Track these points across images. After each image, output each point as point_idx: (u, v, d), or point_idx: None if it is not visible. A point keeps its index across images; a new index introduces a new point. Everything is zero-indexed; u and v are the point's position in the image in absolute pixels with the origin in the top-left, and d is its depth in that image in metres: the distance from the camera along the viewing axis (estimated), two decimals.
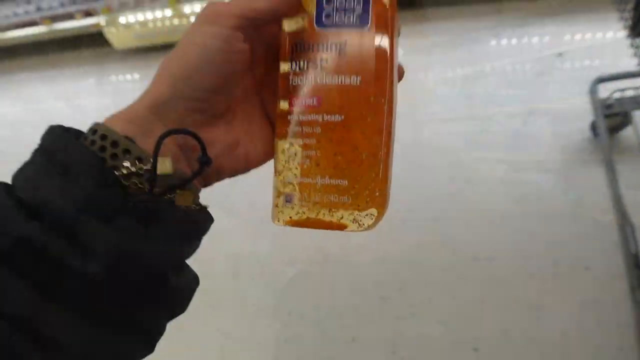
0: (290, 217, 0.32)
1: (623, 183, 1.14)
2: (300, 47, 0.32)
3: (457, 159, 1.41)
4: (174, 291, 0.29)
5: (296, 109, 0.32)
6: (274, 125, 0.34)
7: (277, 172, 0.33)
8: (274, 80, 0.33)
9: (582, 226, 1.18)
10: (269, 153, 0.35)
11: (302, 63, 0.32)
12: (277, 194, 0.33)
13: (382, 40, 0.31)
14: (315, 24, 0.31)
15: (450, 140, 1.48)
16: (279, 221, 0.33)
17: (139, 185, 0.27)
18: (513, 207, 1.26)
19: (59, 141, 0.27)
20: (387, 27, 0.31)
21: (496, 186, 1.32)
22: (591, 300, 1.07)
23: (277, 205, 0.33)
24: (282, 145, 0.33)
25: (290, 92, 0.32)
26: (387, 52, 0.31)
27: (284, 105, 0.32)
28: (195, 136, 0.29)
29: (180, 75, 0.29)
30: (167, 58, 0.30)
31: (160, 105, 0.29)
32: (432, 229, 1.28)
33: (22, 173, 0.27)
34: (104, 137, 0.27)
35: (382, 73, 0.31)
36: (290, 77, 0.32)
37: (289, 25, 0.32)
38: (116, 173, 0.27)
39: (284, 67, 0.32)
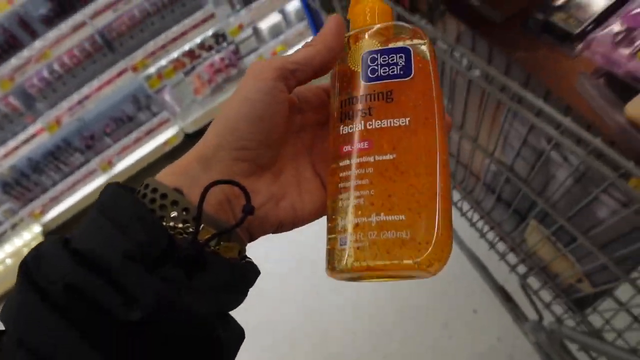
0: (346, 265, 0.30)
1: None
2: (349, 102, 0.33)
3: None
4: (219, 344, 0.28)
5: (348, 155, 0.32)
6: (325, 183, 0.35)
7: (330, 219, 0.33)
8: (325, 142, 0.35)
9: None
10: (319, 211, 0.35)
11: (351, 113, 0.33)
12: (331, 241, 0.32)
13: (426, 85, 0.32)
14: (362, 80, 0.33)
15: None
16: (334, 270, 0.31)
17: (185, 235, 0.28)
18: None
19: (112, 196, 0.28)
20: (429, 75, 0.33)
21: None
22: None
23: (331, 254, 0.32)
24: (335, 193, 0.33)
25: (341, 142, 0.33)
26: (432, 96, 0.32)
27: (336, 155, 0.33)
28: (239, 185, 0.29)
29: (225, 126, 0.31)
30: (217, 116, 0.32)
31: (207, 156, 0.31)
32: None
33: (79, 227, 0.28)
34: (154, 190, 0.29)
35: (430, 113, 0.32)
36: (341, 128, 0.33)
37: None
38: (164, 224, 0.28)
39: (334, 120, 0.34)
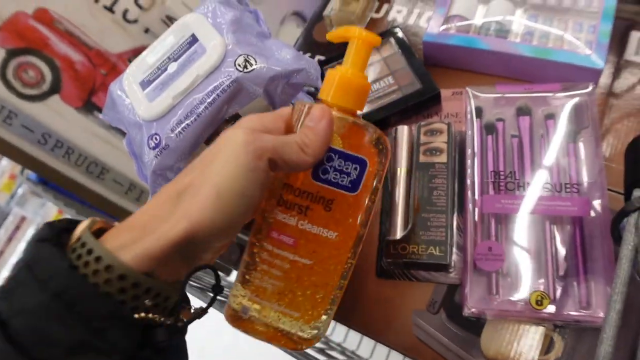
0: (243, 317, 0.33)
1: None
2: (293, 190, 0.33)
3: None
4: None
5: (272, 242, 0.33)
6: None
7: (242, 281, 0.34)
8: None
9: None
10: None
11: (289, 204, 0.33)
12: (235, 301, 0.34)
13: (366, 206, 0.34)
14: (311, 175, 0.32)
15: None
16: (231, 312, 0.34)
17: (158, 319, 0.27)
18: None
19: (64, 279, 0.25)
20: (374, 195, 0.34)
21: None
22: None
23: (232, 310, 0.34)
24: (251, 262, 0.34)
25: (272, 225, 0.33)
26: (367, 217, 0.34)
27: (265, 232, 0.33)
28: (213, 269, 0.31)
29: (213, 218, 0.28)
30: (200, 182, 0.29)
31: (189, 243, 0.28)
32: None
33: (19, 306, 0.25)
34: (122, 277, 0.26)
35: (359, 234, 0.34)
36: (276, 211, 0.33)
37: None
38: (136, 316, 0.26)
39: (271, 201, 0.33)
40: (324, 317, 0.34)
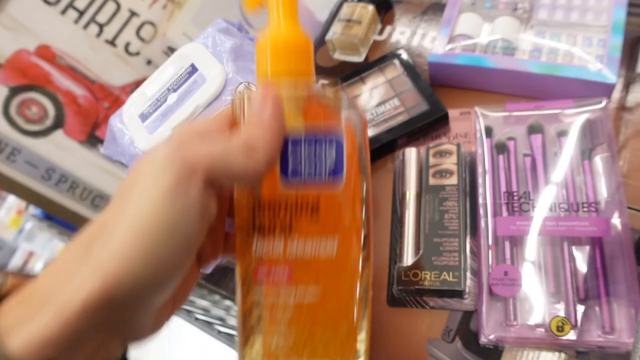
0: None
1: None
2: (263, 208, 0.25)
3: None
4: None
5: (261, 282, 0.26)
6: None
7: (245, 344, 0.26)
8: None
9: None
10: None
11: (266, 228, 0.25)
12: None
13: (361, 191, 0.26)
14: (280, 179, 0.25)
15: None
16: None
17: None
18: None
19: None
20: (364, 175, 0.27)
21: None
22: None
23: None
24: (250, 320, 0.26)
25: (255, 263, 0.26)
26: (368, 207, 0.27)
27: (247, 279, 0.26)
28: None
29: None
30: (114, 222, 0.21)
31: (109, 307, 0.20)
32: None
33: None
34: None
35: (363, 233, 0.27)
36: (253, 243, 0.25)
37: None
38: None
39: (243, 232, 0.26)
40: (360, 347, 0.26)
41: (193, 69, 0.41)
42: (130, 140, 0.41)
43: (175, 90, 0.40)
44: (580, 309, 0.37)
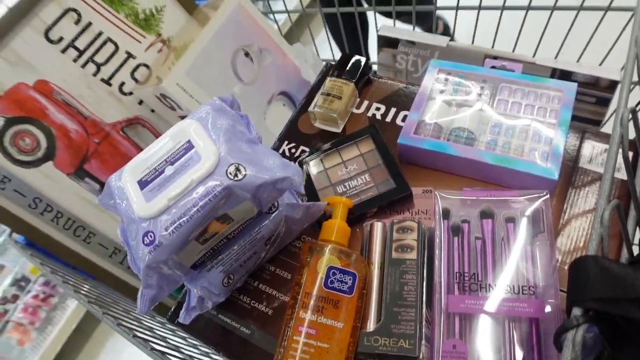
0: None
1: None
2: (311, 296, 0.46)
3: None
4: None
5: (299, 332, 0.45)
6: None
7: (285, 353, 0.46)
8: None
9: None
10: None
11: (310, 305, 0.46)
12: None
13: (358, 303, 0.47)
14: (323, 285, 0.47)
15: None
16: None
17: None
18: None
19: None
20: (361, 296, 0.48)
21: None
22: None
23: None
24: (288, 350, 0.45)
25: (298, 322, 0.46)
26: (360, 311, 0.48)
27: (293, 327, 0.46)
28: None
29: None
30: None
31: None
32: None
33: None
34: None
35: (355, 324, 0.47)
36: (301, 313, 0.46)
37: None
38: None
39: (301, 309, 0.46)
40: None
41: (189, 146, 0.45)
42: (127, 203, 0.45)
43: (172, 163, 0.45)
44: None
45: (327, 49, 1.03)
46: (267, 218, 0.50)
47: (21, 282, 2.16)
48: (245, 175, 0.43)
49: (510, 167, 0.51)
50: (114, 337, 2.08)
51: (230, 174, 0.43)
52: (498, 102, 0.57)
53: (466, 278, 0.47)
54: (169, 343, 0.55)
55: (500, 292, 0.45)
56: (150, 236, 0.43)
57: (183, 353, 0.53)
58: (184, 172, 0.44)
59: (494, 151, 0.53)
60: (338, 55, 0.74)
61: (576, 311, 0.38)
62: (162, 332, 0.58)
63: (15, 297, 2.12)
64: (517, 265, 0.47)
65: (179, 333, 0.60)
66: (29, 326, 2.12)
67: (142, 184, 0.45)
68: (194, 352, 0.55)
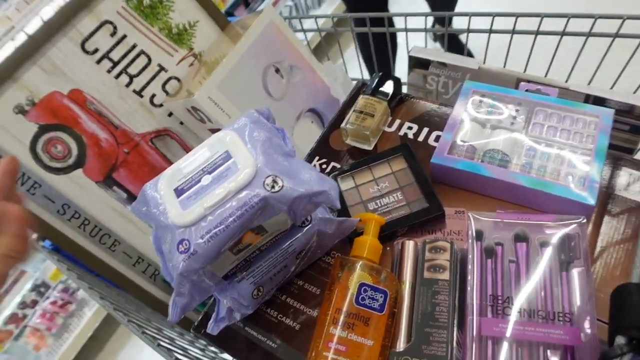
0: None
1: None
2: (342, 312, 0.46)
3: None
4: None
5: (329, 349, 0.45)
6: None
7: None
8: None
9: None
10: None
11: (340, 322, 0.45)
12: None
13: (388, 321, 0.47)
14: (354, 301, 0.46)
15: None
16: None
17: None
18: None
19: None
20: (392, 314, 0.47)
21: None
22: None
23: None
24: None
25: (328, 338, 0.45)
26: (390, 330, 0.47)
27: (323, 342, 0.45)
28: None
29: None
30: None
31: None
32: None
33: None
34: None
35: (385, 342, 0.46)
36: (331, 329, 0.45)
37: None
38: None
39: (331, 325, 0.46)
40: None
41: (227, 156, 0.46)
42: (163, 210, 0.46)
43: (210, 173, 0.45)
44: None
45: (355, 67, 1.03)
46: (300, 231, 0.49)
47: (41, 288, 2.18)
48: (282, 187, 0.43)
49: (546, 190, 0.50)
50: (126, 347, 2.08)
51: (267, 185, 0.43)
52: (533, 125, 0.56)
53: (499, 301, 0.46)
54: (189, 354, 0.55)
55: (535, 317, 0.45)
56: (186, 244, 0.43)
57: None
58: (221, 182, 0.44)
59: (529, 174, 0.52)
60: (366, 73, 0.75)
61: (620, 339, 0.37)
62: (181, 342, 0.58)
63: (34, 303, 2.14)
64: (552, 291, 0.46)
65: (197, 344, 0.59)
66: (45, 332, 2.13)
67: (179, 192, 0.46)
68: None
